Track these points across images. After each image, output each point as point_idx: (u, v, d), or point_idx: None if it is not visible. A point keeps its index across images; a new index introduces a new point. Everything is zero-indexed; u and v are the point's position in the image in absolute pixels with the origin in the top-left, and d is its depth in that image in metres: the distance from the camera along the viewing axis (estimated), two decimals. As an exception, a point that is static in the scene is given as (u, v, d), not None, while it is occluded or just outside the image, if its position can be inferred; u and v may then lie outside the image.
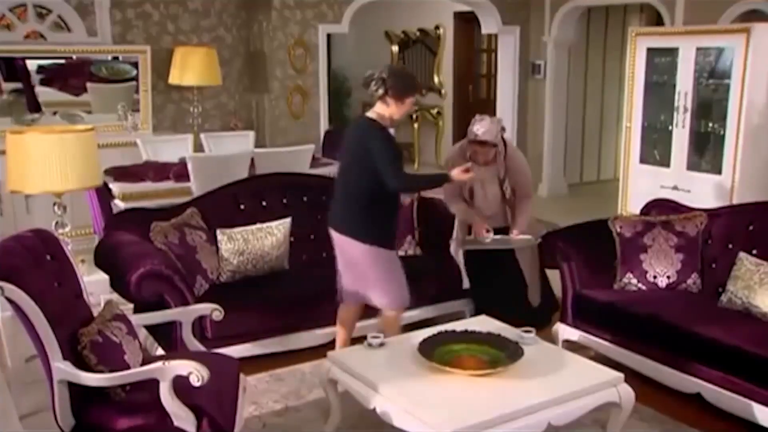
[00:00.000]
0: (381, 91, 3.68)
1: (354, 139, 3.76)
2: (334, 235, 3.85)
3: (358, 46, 12.33)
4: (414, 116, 11.19)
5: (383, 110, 3.73)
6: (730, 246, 4.16)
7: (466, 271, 4.71)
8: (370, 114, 3.75)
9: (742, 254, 3.99)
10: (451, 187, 4.39)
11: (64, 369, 2.70)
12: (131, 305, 3.98)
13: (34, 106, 7.01)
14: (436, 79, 11.21)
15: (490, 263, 4.57)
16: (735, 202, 5.85)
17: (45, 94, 7.06)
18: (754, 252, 4.00)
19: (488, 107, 10.05)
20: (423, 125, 11.21)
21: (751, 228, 4.16)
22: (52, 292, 2.86)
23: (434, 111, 11.15)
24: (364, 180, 3.68)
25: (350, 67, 12.46)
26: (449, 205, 4.61)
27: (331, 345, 4.13)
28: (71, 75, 7.18)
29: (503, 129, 4.51)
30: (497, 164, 4.49)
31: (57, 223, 3.93)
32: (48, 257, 3.01)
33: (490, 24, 9.19)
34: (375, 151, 3.62)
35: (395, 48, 11.92)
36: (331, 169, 6.39)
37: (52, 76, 7.13)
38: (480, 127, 4.35)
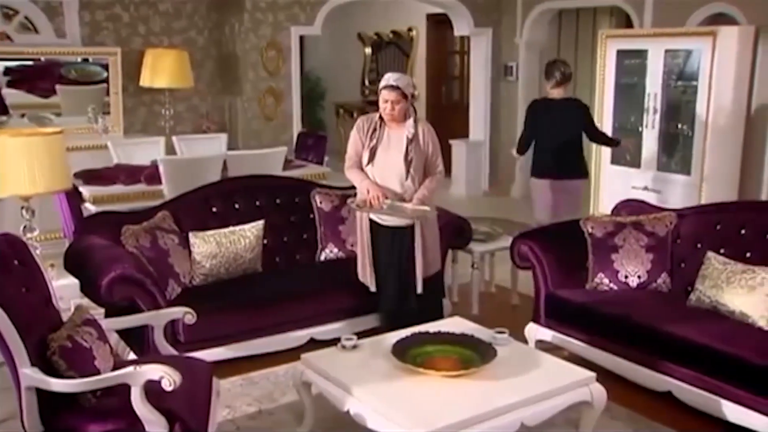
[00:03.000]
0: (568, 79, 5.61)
1: (568, 112, 5.56)
2: (563, 183, 5.54)
3: (331, 48, 12.33)
4: (387, 118, 11.19)
5: (565, 93, 5.60)
6: (699, 245, 4.23)
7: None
8: (565, 95, 5.62)
9: (710, 253, 4.05)
10: (354, 151, 4.24)
11: (31, 375, 2.66)
12: (102, 310, 3.94)
13: (2, 109, 6.90)
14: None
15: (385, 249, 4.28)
16: (704, 202, 5.95)
17: (12, 96, 6.96)
18: (722, 251, 4.06)
19: (461, 108, 10.11)
20: (396, 127, 11.21)
21: (718, 227, 4.23)
22: (19, 298, 2.82)
23: (407, 113, 11.16)
24: (581, 138, 5.58)
25: (323, 69, 12.46)
26: (348, 172, 4.27)
27: (304, 347, 4.11)
28: (40, 77, 7.09)
29: (413, 96, 4.28)
30: (405, 127, 4.18)
31: (25, 227, 3.88)
32: (15, 262, 2.96)
33: (462, 26, 9.24)
34: (590, 118, 5.67)
35: (368, 50, 11.94)
36: (303, 171, 6.38)
37: (20, 77, 7.03)
38: (390, 75, 4.18)
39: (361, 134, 4.24)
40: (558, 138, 5.49)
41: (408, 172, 4.15)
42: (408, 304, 4.21)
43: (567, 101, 5.61)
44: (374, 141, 4.19)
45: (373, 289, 4.34)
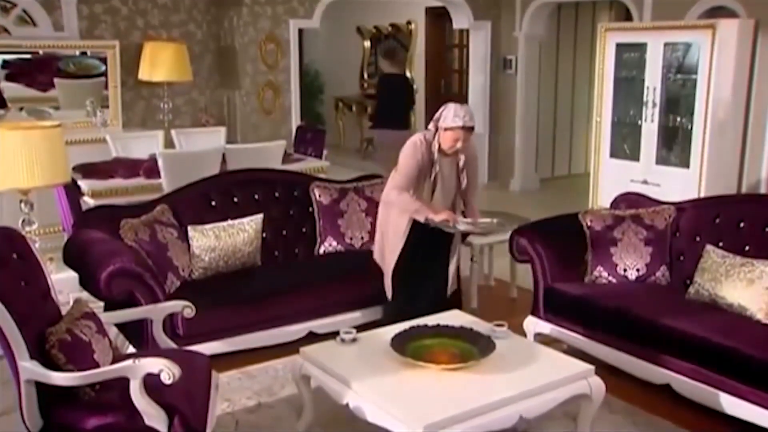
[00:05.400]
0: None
1: (401, 82, 8.52)
2: (402, 132, 7.51)
3: (330, 42, 12.30)
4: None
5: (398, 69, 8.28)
6: (698, 239, 4.23)
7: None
8: (398, 71, 8.41)
9: (708, 247, 4.05)
10: (410, 177, 4.14)
11: (31, 368, 2.66)
12: (101, 303, 3.94)
13: (0, 102, 6.89)
14: (408, 75, 11.22)
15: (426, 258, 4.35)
16: (703, 195, 5.95)
17: (10, 89, 6.96)
18: (721, 244, 4.07)
19: (460, 102, 10.07)
20: (395, 121, 11.21)
21: (717, 221, 4.23)
22: (18, 292, 2.82)
23: (406, 106, 11.16)
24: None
25: (322, 62, 12.44)
26: (403, 196, 4.14)
27: (303, 341, 4.11)
28: (38, 70, 7.08)
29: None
30: (458, 153, 4.23)
31: (23, 220, 3.88)
32: (14, 256, 2.96)
33: (461, 19, 9.22)
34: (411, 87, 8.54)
35: (367, 43, 11.91)
36: (302, 165, 6.39)
37: (18, 71, 7.02)
38: (464, 113, 4.08)
39: (419, 163, 4.15)
40: (397, 100, 8.10)
41: (457, 195, 4.31)
42: (441, 302, 4.20)
43: (399, 75, 8.55)
44: (435, 174, 4.18)
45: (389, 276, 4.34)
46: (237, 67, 8.07)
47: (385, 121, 7.98)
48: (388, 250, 4.32)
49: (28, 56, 7.05)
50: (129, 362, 2.70)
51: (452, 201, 4.32)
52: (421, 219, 4.13)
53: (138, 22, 7.75)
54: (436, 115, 4.19)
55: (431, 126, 4.22)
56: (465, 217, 4.32)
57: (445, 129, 4.10)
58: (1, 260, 2.85)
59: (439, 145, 4.15)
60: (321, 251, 4.89)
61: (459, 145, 4.14)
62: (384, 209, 4.38)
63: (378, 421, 2.97)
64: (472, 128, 4.12)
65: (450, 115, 4.11)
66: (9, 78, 6.96)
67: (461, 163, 4.24)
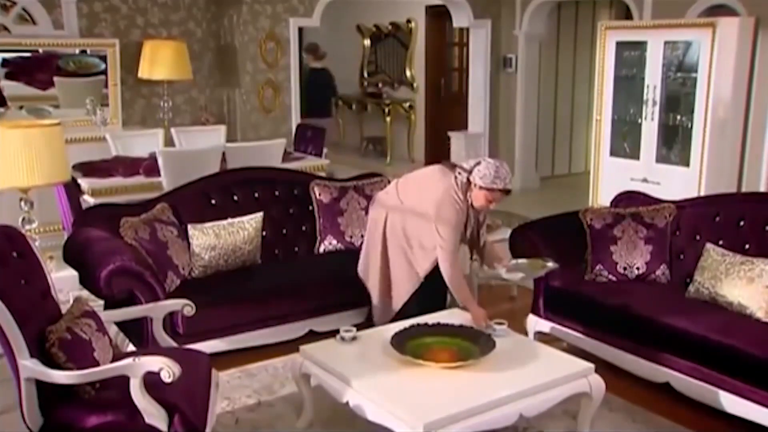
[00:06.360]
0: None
1: (325, 75, 10.57)
2: (326, 120, 9.05)
3: (330, 40, 12.28)
4: (386, 110, 11.18)
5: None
6: (698, 237, 4.23)
7: None
8: (322, 65, 10.28)
9: (708, 245, 4.05)
10: (456, 241, 3.93)
11: (31, 367, 2.66)
12: (101, 302, 3.94)
13: None
14: (408, 73, 11.21)
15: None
16: (702, 193, 5.95)
17: (10, 88, 6.94)
18: (721, 243, 4.07)
19: (460, 100, 10.09)
20: (395, 119, 11.21)
21: (717, 219, 4.23)
22: (18, 290, 2.81)
23: (406, 105, 11.16)
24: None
25: (322, 60, 12.42)
26: (458, 273, 3.92)
27: (303, 339, 4.11)
28: (37, 69, 7.06)
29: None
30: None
31: (24, 219, 3.88)
32: (14, 254, 2.95)
33: (461, 18, 9.21)
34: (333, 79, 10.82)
35: (367, 42, 11.90)
36: (302, 163, 6.39)
37: (18, 69, 7.01)
38: (505, 172, 3.79)
39: (462, 227, 3.96)
40: (323, 92, 9.45)
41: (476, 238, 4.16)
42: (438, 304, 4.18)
43: (323, 69, 9.96)
44: (470, 231, 4.03)
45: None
46: (237, 65, 8.06)
47: (314, 111, 9.21)
48: (396, 291, 4.26)
49: (28, 55, 7.04)
50: (129, 360, 2.70)
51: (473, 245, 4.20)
52: (459, 304, 3.97)
53: (138, 20, 7.74)
54: (469, 165, 3.87)
55: (459, 175, 3.87)
56: (482, 253, 4.17)
57: (481, 188, 3.80)
58: (1, 259, 2.85)
59: (471, 202, 3.90)
60: (321, 250, 4.89)
61: (492, 206, 3.92)
62: (400, 256, 4.18)
63: (378, 419, 2.98)
64: (510, 191, 3.87)
65: (490, 174, 3.76)
66: (9, 76, 6.94)
67: (482, 217, 4.06)
